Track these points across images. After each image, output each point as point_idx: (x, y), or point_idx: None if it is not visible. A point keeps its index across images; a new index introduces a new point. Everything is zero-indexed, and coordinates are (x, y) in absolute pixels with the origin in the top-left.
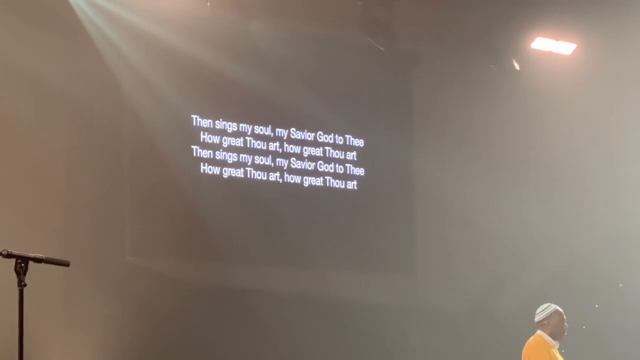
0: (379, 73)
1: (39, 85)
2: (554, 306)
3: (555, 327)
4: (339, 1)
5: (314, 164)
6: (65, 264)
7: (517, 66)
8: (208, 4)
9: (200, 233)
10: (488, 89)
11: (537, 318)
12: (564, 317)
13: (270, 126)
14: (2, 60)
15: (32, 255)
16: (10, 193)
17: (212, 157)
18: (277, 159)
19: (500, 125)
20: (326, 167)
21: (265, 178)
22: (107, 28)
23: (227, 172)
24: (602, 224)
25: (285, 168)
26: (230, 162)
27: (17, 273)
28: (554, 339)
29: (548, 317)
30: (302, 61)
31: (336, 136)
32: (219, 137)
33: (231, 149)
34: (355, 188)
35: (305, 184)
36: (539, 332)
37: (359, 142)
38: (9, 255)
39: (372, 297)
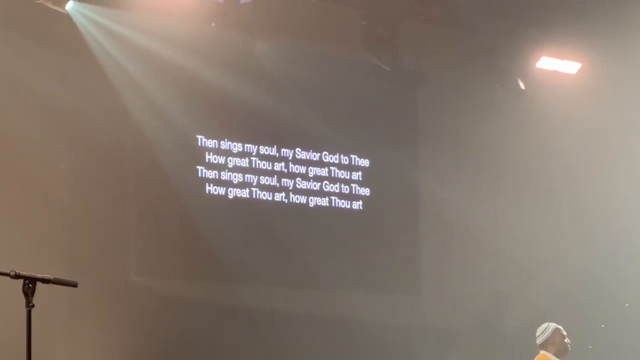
0: (384, 92)
1: (45, 105)
2: (553, 325)
3: (558, 345)
4: (344, 21)
5: (319, 184)
6: (73, 285)
7: (522, 85)
8: (213, 24)
9: (205, 253)
10: (493, 108)
11: (538, 340)
12: (564, 333)
13: (275, 146)
14: (8, 79)
15: (40, 276)
16: (17, 213)
17: (217, 177)
18: (283, 179)
19: (505, 144)
20: (331, 187)
21: (270, 198)
22: (113, 48)
23: (233, 193)
24: (608, 242)
25: (290, 188)
26: (236, 182)
27: (25, 294)
28: (559, 357)
29: (551, 337)
30: (307, 81)
31: (341, 156)
32: (224, 157)
33: (236, 169)
34: (361, 208)
35: (311, 204)
36: (542, 352)
37: (365, 162)
38: (17, 276)
39: (377, 317)
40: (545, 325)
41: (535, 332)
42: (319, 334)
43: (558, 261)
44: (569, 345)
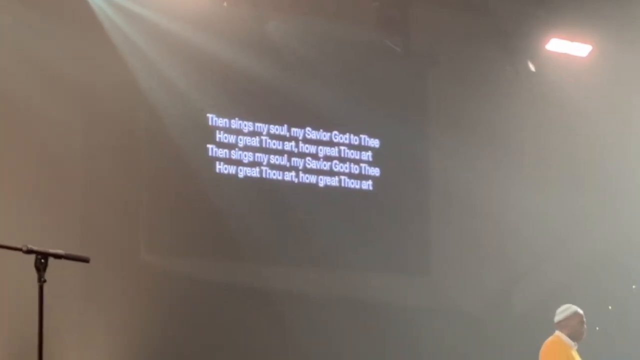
0: (395, 73)
1: (59, 82)
2: (575, 307)
3: (574, 329)
4: (355, 1)
5: (329, 163)
6: (85, 260)
7: (532, 67)
8: (224, 3)
9: (215, 232)
10: (503, 89)
11: (556, 319)
12: (584, 319)
13: (285, 126)
14: (24, 57)
15: (52, 251)
16: (31, 190)
17: (227, 156)
18: (293, 159)
19: (517, 125)
20: (341, 167)
21: (280, 178)
22: (125, 26)
23: (243, 172)
24: (622, 223)
25: (300, 168)
26: (246, 161)
27: (37, 269)
28: (572, 340)
29: (567, 319)
30: (317, 61)
31: (351, 136)
32: (235, 136)
33: (247, 148)
34: (371, 188)
35: (321, 184)
36: (557, 332)
37: (375, 143)
38: (30, 251)
39: (386, 296)
40: (567, 306)
41: (548, 311)
42: (326, 311)
43: (571, 241)
44: (585, 332)
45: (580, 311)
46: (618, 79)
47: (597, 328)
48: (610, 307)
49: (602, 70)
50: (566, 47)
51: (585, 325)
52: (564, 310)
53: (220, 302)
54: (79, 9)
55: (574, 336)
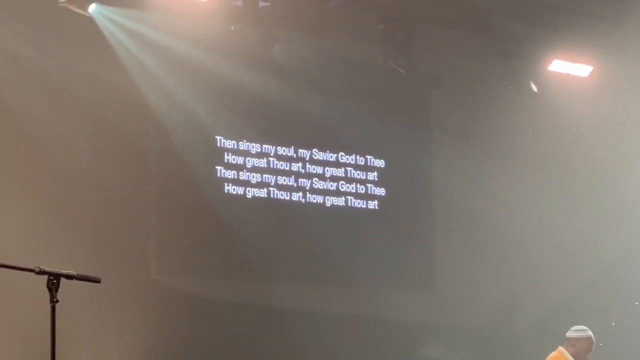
0: (400, 94)
1: (69, 103)
2: (590, 333)
3: (581, 350)
4: (361, 24)
5: (335, 184)
6: (97, 281)
7: (534, 88)
8: (232, 27)
9: (224, 252)
10: (506, 110)
11: (569, 334)
12: (593, 347)
13: (292, 147)
14: (34, 79)
15: (64, 272)
16: (43, 211)
17: (236, 177)
18: (300, 179)
19: (519, 144)
20: (348, 187)
21: (288, 198)
22: (135, 48)
23: (251, 192)
24: (625, 238)
25: (307, 188)
26: (254, 182)
27: (50, 289)
28: (575, 358)
29: (579, 339)
30: (323, 83)
31: (357, 157)
32: (243, 157)
33: (255, 169)
34: (377, 208)
35: (328, 204)
36: (561, 348)
37: (380, 163)
38: (42, 272)
39: (392, 313)
40: (584, 327)
41: (549, 328)
42: (333, 328)
43: (573, 259)
44: (590, 355)
45: (594, 338)
46: (618, 99)
47: (601, 344)
48: (613, 324)
49: (603, 90)
50: (568, 67)
51: (590, 354)
52: (580, 331)
53: (228, 319)
54: (89, 32)
55: (579, 356)
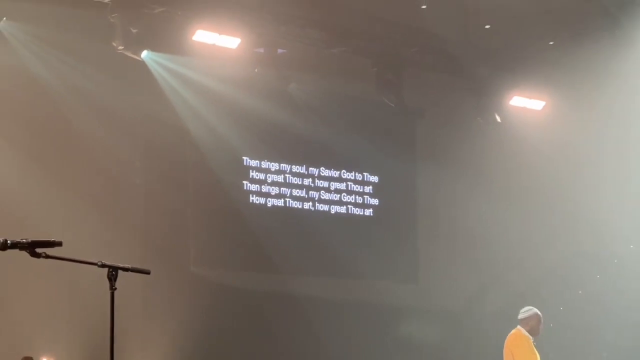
0: (390, 124)
1: (126, 132)
2: (536, 310)
3: (533, 327)
4: (358, 67)
5: (338, 195)
6: (147, 272)
7: (498, 119)
8: (256, 70)
9: (249, 250)
10: (476, 137)
11: (520, 316)
12: (542, 320)
13: (304, 166)
14: (98, 110)
15: (120, 265)
16: (105, 216)
17: (259, 190)
18: (310, 192)
19: (487, 165)
20: (348, 198)
21: (300, 207)
22: (178, 86)
23: (271, 202)
24: (573, 240)
25: (316, 199)
26: (273, 194)
27: (109, 279)
28: (530, 334)
29: (529, 318)
30: (328, 114)
31: (356, 174)
32: (264, 174)
33: (274, 183)
34: (372, 215)
35: (332, 212)
36: (519, 327)
37: (374, 179)
38: (103, 266)
39: (384, 299)
40: (530, 307)
41: (512, 312)
42: (336, 311)
43: (529, 258)
44: (541, 331)
45: (540, 313)
46: (566, 128)
47: (551, 325)
48: (561, 308)
49: (554, 120)
50: (525, 102)
51: (542, 325)
52: (527, 311)
53: (251, 303)
54: (141, 72)
55: (532, 332)
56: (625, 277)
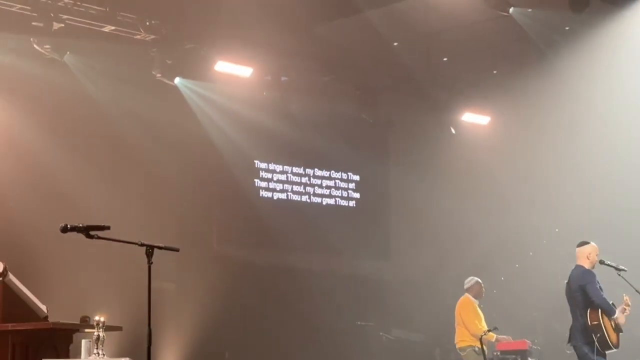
0: (368, 134)
1: (162, 141)
2: (477, 279)
3: (476, 292)
4: (345, 90)
5: (328, 190)
6: (177, 250)
7: (453, 131)
8: (264, 93)
9: (260, 232)
10: (436, 144)
11: (465, 286)
12: (482, 285)
13: (302, 167)
14: (141, 125)
15: (156, 244)
16: (145, 206)
17: (267, 186)
18: (307, 188)
19: (445, 166)
20: (336, 193)
21: (299, 199)
22: (204, 105)
23: (276, 196)
24: (512, 223)
25: (311, 193)
26: (278, 189)
27: (147, 255)
28: (475, 299)
29: (472, 286)
30: (323, 127)
31: (342, 173)
32: (271, 174)
33: (278, 181)
34: (354, 206)
35: (324, 203)
36: (466, 294)
37: (356, 177)
38: (142, 244)
39: (364, 272)
40: (471, 277)
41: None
42: (327, 281)
43: (479, 239)
44: (483, 294)
45: (480, 281)
46: (506, 138)
47: (495, 291)
48: (502, 278)
49: (496, 132)
50: (474, 118)
51: (483, 290)
52: (470, 280)
53: (261, 275)
54: (175, 95)
55: (476, 297)
56: (550, 254)
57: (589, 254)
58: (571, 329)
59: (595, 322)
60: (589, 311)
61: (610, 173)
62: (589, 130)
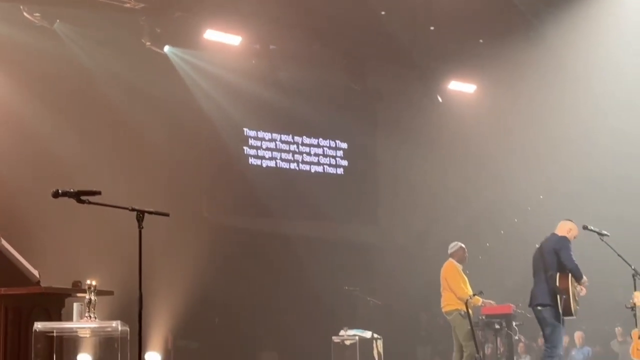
0: (357, 102)
1: (153, 108)
2: (460, 244)
3: (460, 257)
4: (333, 59)
5: (317, 158)
6: (167, 215)
7: (440, 99)
8: (253, 61)
9: (249, 199)
10: (423, 112)
11: (449, 251)
12: (466, 250)
13: (291, 135)
14: (130, 93)
15: (147, 209)
16: (137, 172)
17: (256, 153)
18: (295, 155)
19: (432, 134)
20: (324, 160)
21: (288, 167)
22: (193, 73)
23: (265, 163)
24: (496, 191)
25: (300, 161)
26: (267, 157)
27: (138, 220)
28: (459, 263)
29: (456, 251)
30: (311, 95)
31: (330, 141)
32: (260, 141)
33: (267, 149)
34: (342, 173)
35: (312, 170)
36: (450, 259)
37: (344, 145)
38: (133, 209)
39: (352, 237)
40: (455, 242)
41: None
42: (315, 246)
43: (463, 204)
44: (466, 259)
45: (464, 246)
46: (492, 107)
47: (480, 257)
48: (488, 244)
49: (482, 100)
50: (460, 86)
51: (466, 255)
52: (454, 246)
53: (251, 240)
54: (164, 63)
55: (460, 261)
56: (534, 220)
57: (571, 229)
58: (533, 292)
59: (564, 286)
60: (558, 275)
61: (596, 141)
62: (576, 98)
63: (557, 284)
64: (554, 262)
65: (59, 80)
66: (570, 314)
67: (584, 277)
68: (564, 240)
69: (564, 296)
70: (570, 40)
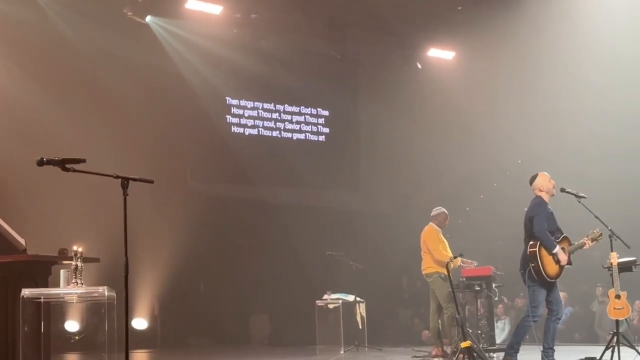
0: (338, 70)
1: (135, 77)
2: (443, 209)
3: (441, 222)
4: (314, 28)
5: (299, 126)
6: (151, 182)
7: (419, 66)
8: (234, 30)
9: (232, 166)
10: (403, 78)
11: (432, 214)
12: (447, 215)
13: (273, 103)
14: (111, 63)
15: (131, 176)
16: (121, 142)
17: (238, 122)
18: (277, 123)
19: (412, 100)
20: (306, 128)
21: (270, 135)
22: (175, 42)
23: (248, 131)
24: (477, 159)
25: (282, 128)
26: (249, 125)
27: (122, 187)
28: (439, 227)
29: (437, 215)
30: (293, 63)
31: (311, 109)
32: (242, 110)
33: (250, 117)
34: (324, 140)
35: (294, 138)
36: (431, 223)
37: (325, 113)
38: (117, 177)
39: (334, 204)
40: (438, 207)
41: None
42: (298, 212)
43: (446, 170)
44: (447, 224)
45: (446, 211)
46: (469, 72)
47: (460, 221)
48: (467, 209)
49: (461, 66)
50: (438, 53)
51: (447, 220)
52: (437, 210)
53: (235, 208)
54: (146, 33)
55: (440, 225)
56: (513, 185)
57: (541, 186)
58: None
59: (532, 251)
60: (531, 241)
61: (574, 105)
62: (554, 64)
63: (527, 249)
64: (529, 229)
65: (41, 51)
66: (544, 280)
67: (597, 230)
68: (538, 207)
69: (532, 263)
70: (549, 6)
